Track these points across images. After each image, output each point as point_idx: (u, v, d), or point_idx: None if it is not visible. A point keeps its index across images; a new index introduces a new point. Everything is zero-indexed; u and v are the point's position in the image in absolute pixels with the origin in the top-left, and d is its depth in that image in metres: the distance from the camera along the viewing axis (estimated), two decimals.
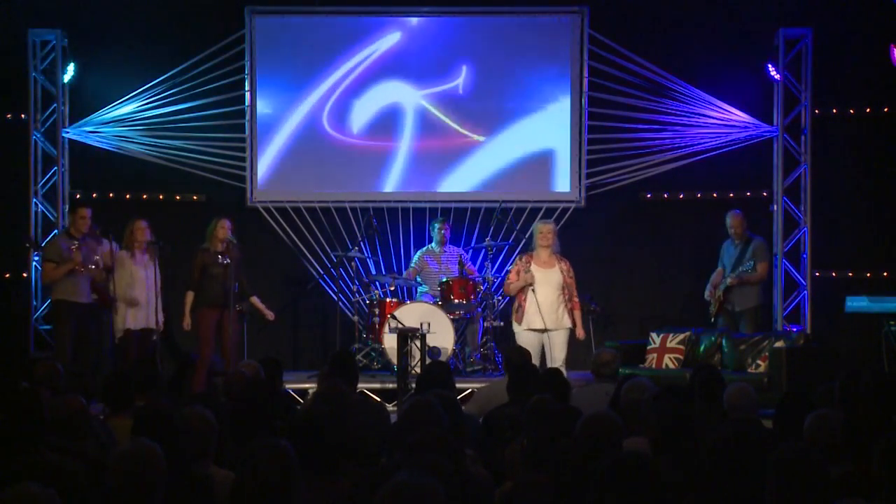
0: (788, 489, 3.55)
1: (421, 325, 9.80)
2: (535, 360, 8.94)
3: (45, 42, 11.57)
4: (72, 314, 9.53)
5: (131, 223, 9.71)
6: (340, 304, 11.14)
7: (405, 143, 11.92)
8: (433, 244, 11.29)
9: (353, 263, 11.34)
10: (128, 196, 11.81)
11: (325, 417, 4.58)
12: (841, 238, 11.71)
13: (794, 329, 10.96)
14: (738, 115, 11.65)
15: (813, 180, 11.58)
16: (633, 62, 11.63)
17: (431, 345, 9.81)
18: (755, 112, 11.67)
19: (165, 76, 11.58)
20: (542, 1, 11.88)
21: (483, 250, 11.28)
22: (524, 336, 9.34)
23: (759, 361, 9.92)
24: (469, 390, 9.71)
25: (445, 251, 11.22)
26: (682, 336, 10.36)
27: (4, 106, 11.71)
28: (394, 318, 10.15)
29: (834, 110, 11.72)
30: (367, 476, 4.36)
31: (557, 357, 9.23)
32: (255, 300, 10.14)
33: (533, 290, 9.29)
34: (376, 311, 10.75)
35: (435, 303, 10.57)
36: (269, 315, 10.22)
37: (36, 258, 11.28)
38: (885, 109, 11.63)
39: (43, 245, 10.25)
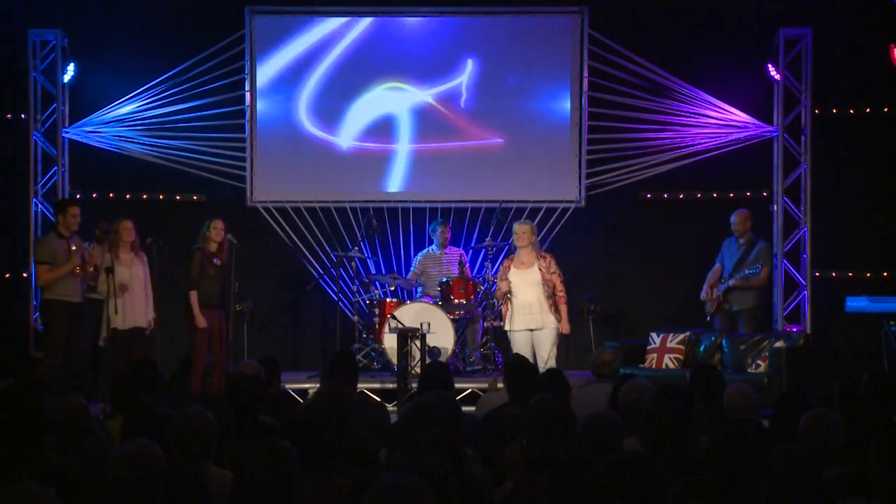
0: (783, 490, 3.55)
1: (421, 325, 9.80)
2: (531, 360, 8.96)
3: (45, 42, 11.57)
4: (64, 314, 9.51)
5: (116, 223, 9.64)
6: (340, 304, 11.14)
7: (405, 143, 11.92)
8: (433, 246, 11.28)
9: (353, 263, 11.34)
10: (128, 196, 11.81)
11: (326, 417, 4.58)
12: (841, 238, 11.70)
13: (794, 329, 10.96)
14: (738, 115, 11.65)
15: (813, 180, 11.58)
16: (633, 62, 11.63)
17: (431, 345, 9.82)
18: (755, 112, 11.67)
19: (165, 76, 11.59)
20: (542, 1, 11.88)
21: (483, 250, 11.28)
22: (512, 337, 9.46)
23: (759, 361, 9.92)
24: (469, 390, 9.72)
25: (446, 253, 11.22)
26: (682, 336, 10.36)
27: (4, 106, 11.72)
28: (394, 318, 10.16)
29: (834, 110, 11.71)
30: (367, 476, 4.36)
31: (543, 356, 9.24)
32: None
33: (509, 296, 9.38)
34: (376, 311, 10.75)
35: (435, 303, 10.57)
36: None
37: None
38: (885, 109, 11.62)
39: (34, 246, 10.21)
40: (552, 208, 11.74)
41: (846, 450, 4.59)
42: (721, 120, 11.66)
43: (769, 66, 11.56)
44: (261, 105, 11.85)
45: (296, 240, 11.81)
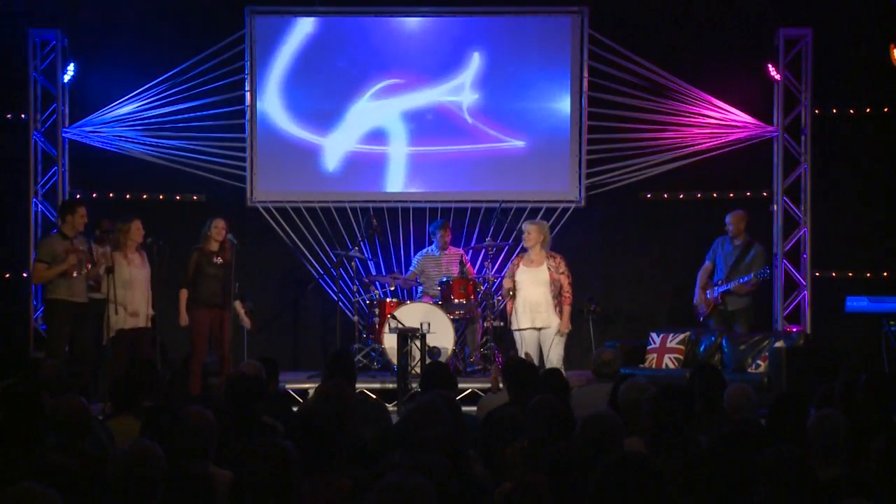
0: (778, 491, 3.55)
1: (421, 325, 9.80)
2: (536, 359, 8.99)
3: (45, 42, 11.57)
4: (67, 314, 9.50)
5: (129, 223, 9.63)
6: (340, 304, 11.14)
7: (404, 144, 11.92)
8: (433, 247, 11.27)
9: (353, 263, 11.34)
10: (128, 196, 11.81)
11: (326, 417, 4.58)
12: (841, 238, 11.70)
13: (794, 329, 10.96)
14: (738, 115, 11.65)
15: (813, 180, 11.58)
16: (633, 62, 11.63)
17: (431, 345, 9.82)
18: (755, 112, 11.67)
19: (165, 76, 11.59)
20: (542, 1, 11.88)
21: (483, 250, 11.28)
22: (517, 336, 9.47)
23: (759, 361, 9.92)
24: (469, 390, 9.72)
25: (446, 254, 11.22)
26: (682, 336, 10.36)
27: (4, 106, 11.72)
28: (394, 318, 10.16)
29: (834, 110, 11.71)
30: (367, 476, 4.36)
31: (551, 356, 9.24)
32: (237, 304, 10.05)
33: (512, 294, 9.37)
34: (376, 311, 10.74)
35: (435, 303, 10.57)
36: (246, 322, 10.16)
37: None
38: (885, 109, 11.62)
39: (37, 244, 10.23)
40: (552, 208, 11.74)
41: (846, 450, 4.59)
42: (721, 120, 11.66)
43: (769, 66, 11.56)
44: (261, 105, 11.85)
45: (296, 240, 11.81)
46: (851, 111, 11.70)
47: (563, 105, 11.83)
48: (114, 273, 9.35)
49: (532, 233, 9.59)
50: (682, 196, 11.92)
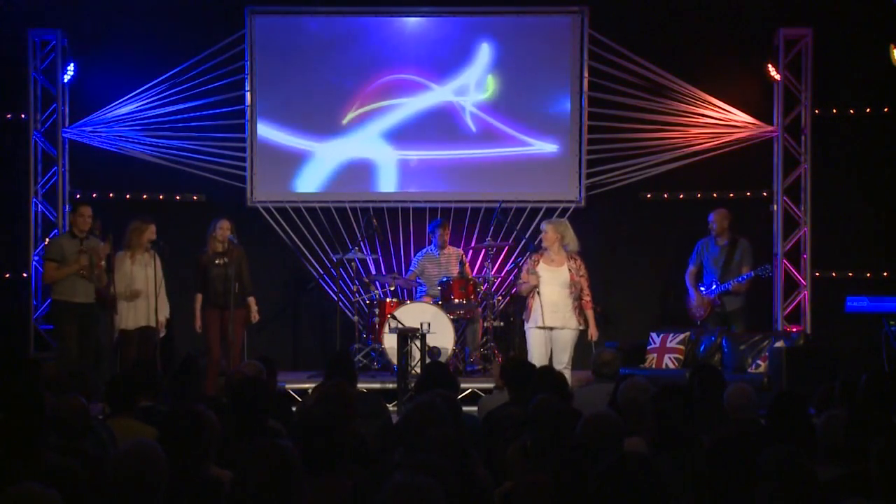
0: (777, 491, 3.55)
1: (421, 325, 9.80)
2: (544, 359, 8.92)
3: (45, 42, 11.58)
4: (73, 314, 9.52)
5: (142, 224, 9.64)
6: (340, 304, 11.14)
7: (404, 143, 11.91)
8: (433, 247, 11.27)
9: (353, 264, 11.34)
10: (128, 196, 11.81)
11: (326, 417, 4.58)
12: (841, 238, 11.70)
13: (794, 329, 10.95)
14: (738, 115, 11.65)
15: (813, 180, 11.58)
16: (633, 62, 11.63)
17: (431, 345, 9.82)
18: (755, 112, 11.67)
19: (165, 76, 11.59)
20: (542, 1, 11.88)
21: (483, 250, 11.28)
22: (531, 334, 9.32)
23: (759, 361, 9.92)
24: (469, 390, 9.72)
25: (445, 253, 11.22)
26: (682, 336, 10.36)
27: (4, 106, 11.72)
28: (394, 318, 10.16)
29: (834, 110, 11.71)
30: (368, 476, 4.36)
31: (561, 357, 9.16)
32: (251, 301, 10.06)
33: (538, 291, 9.27)
34: (376, 311, 10.75)
35: (435, 303, 10.57)
36: (255, 317, 10.11)
37: (36, 259, 11.30)
38: (885, 109, 11.62)
39: (46, 244, 10.25)
40: (552, 208, 11.74)
41: (846, 450, 4.59)
42: (721, 120, 11.67)
43: (769, 66, 11.56)
44: (261, 105, 11.85)
45: (296, 240, 11.81)
46: (851, 111, 11.70)
47: (563, 105, 11.83)
48: (114, 273, 9.36)
49: (548, 232, 9.44)
50: (682, 196, 11.91)
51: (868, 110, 11.68)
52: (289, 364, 11.32)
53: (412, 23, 11.96)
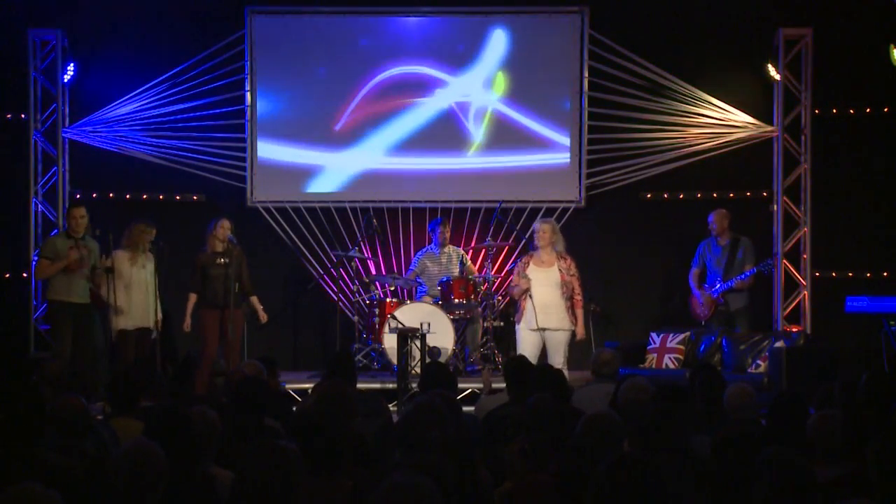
0: (776, 491, 3.55)
1: (421, 325, 9.80)
2: (534, 360, 8.93)
3: (45, 42, 11.57)
4: (69, 314, 9.53)
5: (142, 226, 9.65)
6: (340, 304, 11.14)
7: (404, 143, 11.91)
8: (433, 246, 11.27)
9: (353, 263, 11.34)
10: (128, 196, 11.81)
11: (326, 417, 4.58)
12: (841, 238, 11.70)
13: (794, 329, 10.95)
14: (738, 115, 11.65)
15: (813, 180, 11.58)
16: (633, 62, 11.63)
17: (431, 345, 9.81)
18: (755, 112, 11.67)
19: (165, 76, 11.60)
20: (541, 1, 11.88)
21: (483, 250, 11.28)
22: (522, 335, 9.35)
23: (759, 361, 9.92)
24: (469, 390, 9.72)
25: (445, 252, 11.22)
26: (682, 336, 10.36)
27: (4, 106, 11.72)
28: (394, 318, 10.16)
29: (834, 110, 11.71)
30: (368, 475, 4.36)
31: (556, 359, 9.18)
32: (254, 300, 10.07)
33: (530, 294, 9.29)
34: (376, 311, 10.74)
35: (435, 303, 10.57)
36: (263, 317, 10.12)
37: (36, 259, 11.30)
38: (885, 109, 11.62)
39: (42, 243, 10.27)
40: (552, 208, 11.74)
41: (845, 450, 4.59)
42: (721, 120, 11.67)
43: (769, 66, 11.56)
44: (261, 105, 11.85)
45: (296, 240, 11.81)
46: (851, 111, 11.70)
47: (563, 105, 11.82)
48: (113, 274, 9.36)
49: (547, 232, 9.47)
50: (682, 196, 11.91)
51: (868, 110, 11.68)
52: (289, 364, 11.31)
53: (411, 23, 11.95)
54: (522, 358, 7.52)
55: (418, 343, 9.62)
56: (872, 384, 5.73)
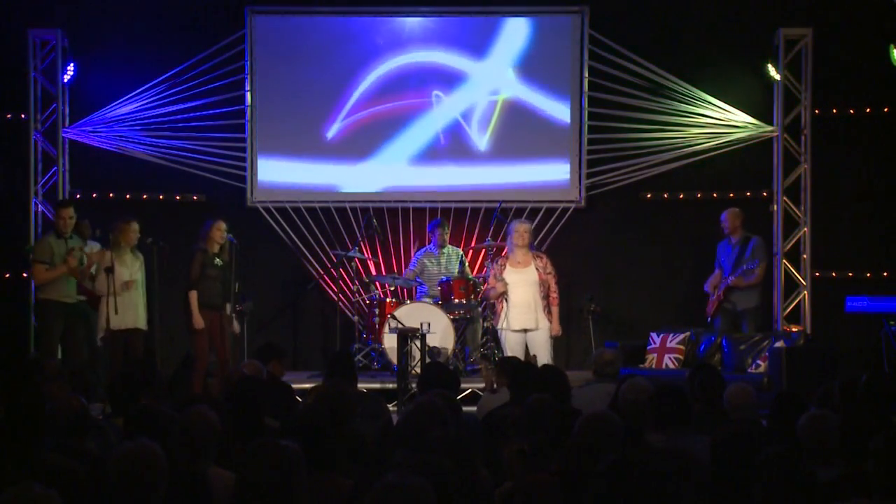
0: (775, 491, 3.55)
1: (421, 325, 9.79)
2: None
3: (45, 42, 11.57)
4: (59, 314, 9.53)
5: (124, 224, 9.64)
6: (340, 304, 11.14)
7: (404, 143, 11.91)
8: (432, 246, 11.27)
9: (353, 263, 11.34)
10: (128, 196, 11.81)
11: (325, 417, 4.58)
12: (841, 238, 11.70)
13: (794, 329, 10.94)
14: (738, 115, 11.65)
15: (813, 180, 11.58)
16: (633, 62, 11.63)
17: (431, 345, 9.81)
18: (755, 112, 11.67)
19: (165, 76, 11.59)
20: (542, 1, 11.88)
21: (483, 250, 11.28)
22: (506, 337, 9.45)
23: (759, 361, 9.92)
24: (469, 390, 9.71)
25: (445, 252, 11.22)
26: (682, 336, 10.35)
27: (4, 106, 11.72)
28: (394, 318, 10.16)
29: (834, 110, 11.71)
30: (368, 475, 4.36)
31: (540, 359, 9.20)
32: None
33: (506, 298, 9.35)
34: (376, 311, 10.74)
35: (435, 303, 10.57)
36: (235, 327, 10.09)
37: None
38: (885, 109, 11.62)
39: (33, 245, 10.24)
40: (552, 208, 11.74)
41: (845, 451, 4.58)
42: (721, 120, 11.67)
43: (769, 66, 11.56)
44: (261, 105, 11.84)
45: (296, 240, 11.81)
46: (851, 111, 11.70)
47: (563, 105, 11.82)
48: (113, 273, 9.36)
49: (528, 232, 9.56)
50: (682, 196, 11.91)
51: (868, 110, 11.68)
52: (289, 364, 11.29)
53: (412, 23, 11.94)
54: (522, 359, 7.54)
55: (418, 343, 9.62)
56: (872, 384, 5.73)
